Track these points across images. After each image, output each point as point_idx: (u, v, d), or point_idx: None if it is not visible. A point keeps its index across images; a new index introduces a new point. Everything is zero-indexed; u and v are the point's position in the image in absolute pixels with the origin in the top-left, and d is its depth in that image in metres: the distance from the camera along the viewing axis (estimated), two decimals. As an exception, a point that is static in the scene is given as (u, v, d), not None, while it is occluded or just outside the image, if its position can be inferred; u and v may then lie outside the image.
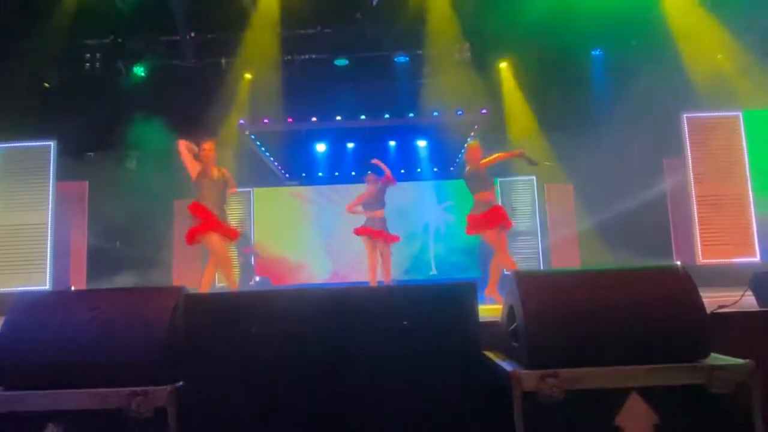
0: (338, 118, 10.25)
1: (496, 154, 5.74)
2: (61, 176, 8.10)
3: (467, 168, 5.70)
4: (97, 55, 9.08)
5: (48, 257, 7.70)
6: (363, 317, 1.99)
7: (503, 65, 9.95)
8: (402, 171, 12.12)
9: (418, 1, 8.53)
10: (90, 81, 9.07)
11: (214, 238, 5.15)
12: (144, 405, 1.87)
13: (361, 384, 1.93)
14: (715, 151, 8.19)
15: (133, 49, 9.08)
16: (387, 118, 10.33)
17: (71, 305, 2.09)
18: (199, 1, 8.50)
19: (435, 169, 12.06)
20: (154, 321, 2.03)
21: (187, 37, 9.01)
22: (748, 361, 1.90)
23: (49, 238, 7.73)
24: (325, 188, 11.60)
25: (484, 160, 5.62)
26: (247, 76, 9.86)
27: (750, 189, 8.03)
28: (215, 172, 5.33)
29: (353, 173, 11.77)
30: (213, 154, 5.35)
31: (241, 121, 10.19)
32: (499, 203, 5.93)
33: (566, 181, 10.44)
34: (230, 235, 5.37)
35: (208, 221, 5.12)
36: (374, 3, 8.22)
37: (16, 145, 8.00)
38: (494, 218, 5.50)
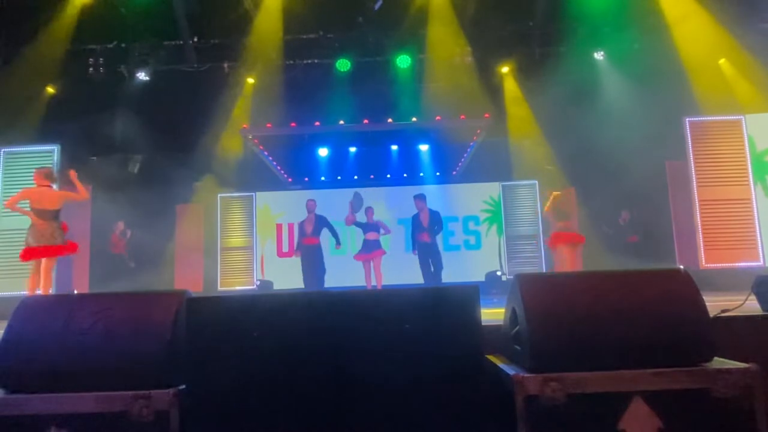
0: (341, 122, 10.25)
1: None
2: (64, 180, 8.11)
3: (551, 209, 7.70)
4: (101, 59, 9.14)
5: (51, 261, 7.68)
6: (365, 320, 1.99)
7: (505, 69, 9.97)
8: (405, 175, 12.11)
9: (420, 6, 8.57)
10: (94, 85, 9.13)
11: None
12: (146, 408, 1.87)
13: (363, 387, 1.93)
14: (718, 155, 8.18)
15: (136, 54, 9.14)
16: (389, 123, 10.33)
17: (74, 309, 2.10)
18: (201, 7, 8.55)
19: (437, 174, 12.05)
20: (157, 324, 2.04)
21: (190, 42, 9.05)
22: (751, 364, 1.89)
23: (52, 242, 7.72)
24: (327, 192, 11.58)
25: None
26: (250, 80, 9.89)
27: (753, 193, 8.01)
28: (40, 198, 6.05)
29: (356, 177, 11.76)
30: (39, 181, 6.16)
31: (244, 126, 10.21)
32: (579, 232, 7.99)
33: (568, 185, 10.43)
34: (67, 250, 6.27)
35: (44, 251, 6.04)
36: (376, 8, 8.26)
37: (21, 149, 8.03)
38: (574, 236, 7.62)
